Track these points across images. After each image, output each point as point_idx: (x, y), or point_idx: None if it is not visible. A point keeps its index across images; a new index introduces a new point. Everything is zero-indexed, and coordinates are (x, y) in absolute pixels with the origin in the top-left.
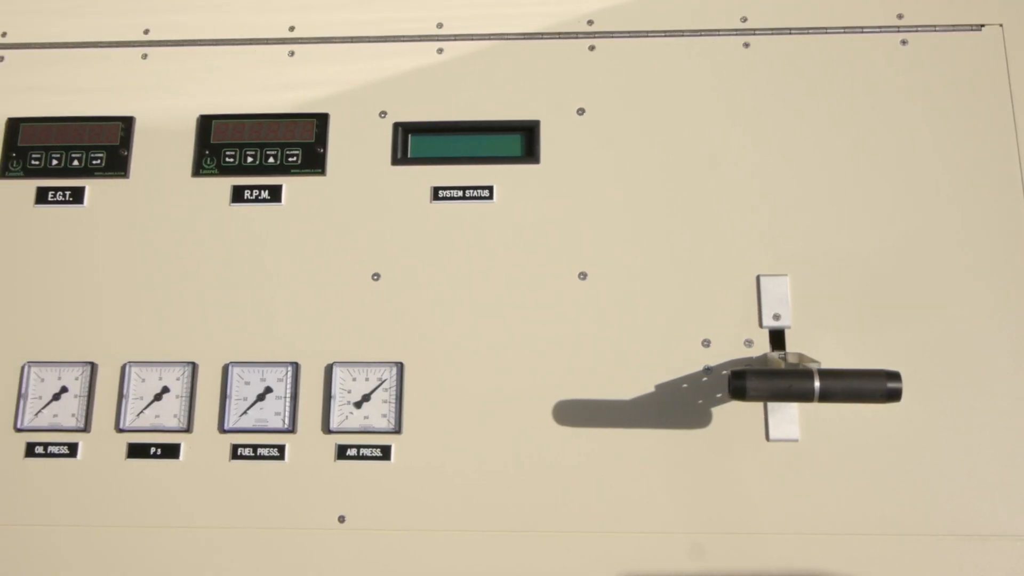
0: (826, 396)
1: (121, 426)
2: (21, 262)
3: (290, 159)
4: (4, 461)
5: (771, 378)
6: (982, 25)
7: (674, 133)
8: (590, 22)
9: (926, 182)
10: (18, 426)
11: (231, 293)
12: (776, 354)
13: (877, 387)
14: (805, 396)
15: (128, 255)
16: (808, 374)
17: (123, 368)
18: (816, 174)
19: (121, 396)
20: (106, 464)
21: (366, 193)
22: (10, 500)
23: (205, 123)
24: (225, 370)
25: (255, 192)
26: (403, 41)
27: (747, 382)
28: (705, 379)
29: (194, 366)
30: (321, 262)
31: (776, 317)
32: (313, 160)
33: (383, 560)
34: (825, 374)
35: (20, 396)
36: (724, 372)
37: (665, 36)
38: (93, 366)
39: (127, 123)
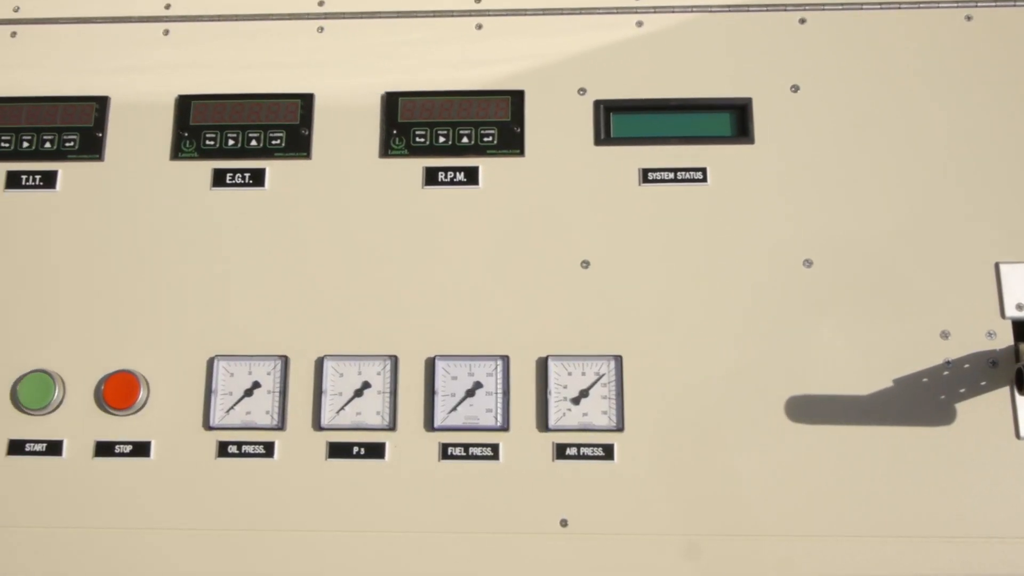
0: None
1: (321, 424)
2: (201, 249)
3: (485, 139)
4: (195, 461)
5: None
6: None
7: (894, 111)
8: None
9: None
10: (210, 424)
11: (430, 281)
12: None
13: None
14: None
15: (316, 241)
16: None
17: (318, 362)
18: None
19: (319, 392)
20: (306, 464)
21: (569, 175)
22: (203, 502)
23: (391, 100)
24: (430, 364)
25: (449, 175)
26: (598, 14)
27: None
28: (946, 373)
29: (395, 360)
30: (525, 249)
31: (1020, 307)
32: (510, 140)
33: (609, 567)
34: None
35: (211, 392)
36: (966, 366)
37: (880, 8)
38: (285, 360)
39: (306, 100)
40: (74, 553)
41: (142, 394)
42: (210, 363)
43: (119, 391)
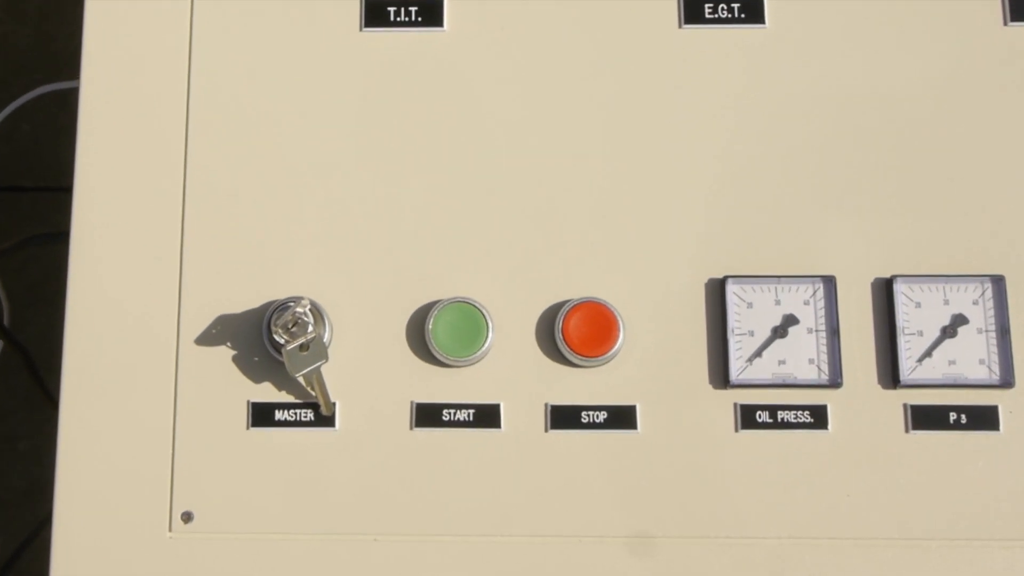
0: None
1: (902, 379)
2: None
3: None
4: (709, 433)
5: None
6: None
7: None
8: None
9: None
10: (731, 380)
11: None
12: None
13: None
14: None
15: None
16: None
17: (884, 285)
18: None
19: (893, 329)
20: (874, 437)
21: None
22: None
23: None
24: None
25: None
26: None
27: None
28: None
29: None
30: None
31: None
32: None
33: None
34: None
35: (727, 331)
36: None
37: None
38: (828, 281)
39: None
40: None
41: (620, 335)
42: (719, 286)
43: (591, 330)
